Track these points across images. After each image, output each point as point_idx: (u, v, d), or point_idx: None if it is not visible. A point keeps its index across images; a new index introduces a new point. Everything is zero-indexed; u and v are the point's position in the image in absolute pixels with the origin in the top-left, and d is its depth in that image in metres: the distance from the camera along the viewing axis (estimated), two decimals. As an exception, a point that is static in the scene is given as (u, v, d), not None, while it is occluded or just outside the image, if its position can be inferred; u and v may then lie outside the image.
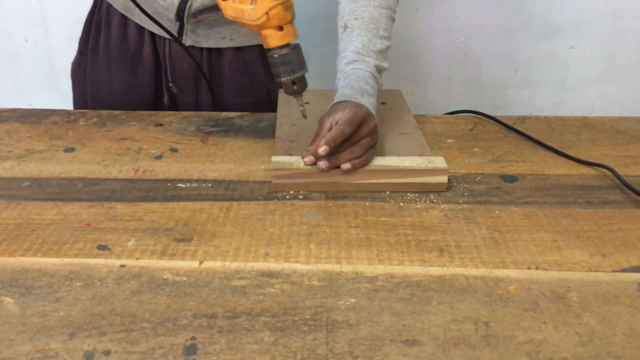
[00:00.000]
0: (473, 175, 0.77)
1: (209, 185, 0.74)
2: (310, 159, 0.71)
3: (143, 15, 0.94)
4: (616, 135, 0.90)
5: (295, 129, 0.84)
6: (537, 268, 0.59)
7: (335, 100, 0.78)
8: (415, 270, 0.59)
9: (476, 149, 0.84)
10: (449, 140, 0.87)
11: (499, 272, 0.59)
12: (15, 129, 0.90)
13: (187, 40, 0.98)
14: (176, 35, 0.97)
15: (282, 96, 0.97)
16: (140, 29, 1.00)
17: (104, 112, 0.95)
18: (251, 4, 0.63)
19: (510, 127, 0.90)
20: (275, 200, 0.71)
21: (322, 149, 0.70)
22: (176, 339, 0.50)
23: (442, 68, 1.60)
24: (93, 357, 0.48)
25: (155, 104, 1.04)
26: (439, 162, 0.73)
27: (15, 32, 1.62)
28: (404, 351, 0.49)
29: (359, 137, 0.73)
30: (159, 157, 0.81)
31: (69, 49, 1.62)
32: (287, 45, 0.68)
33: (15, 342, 0.50)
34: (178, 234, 0.64)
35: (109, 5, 1.01)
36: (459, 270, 0.59)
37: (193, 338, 0.50)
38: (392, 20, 0.87)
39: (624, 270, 0.59)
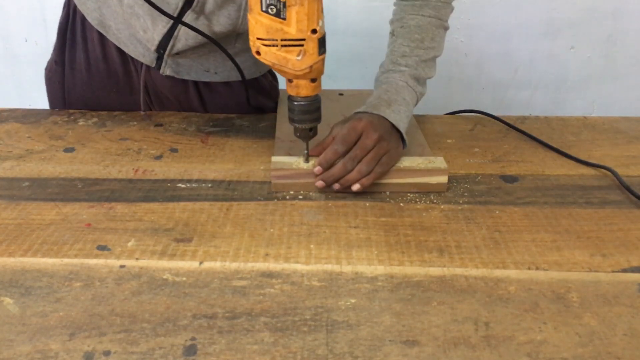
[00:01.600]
0: (473, 175, 0.77)
1: (209, 185, 0.74)
2: (320, 183, 0.71)
3: (119, 35, 0.89)
4: (616, 135, 0.90)
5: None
6: (537, 268, 0.59)
7: (359, 110, 0.77)
8: (415, 270, 0.59)
9: (476, 149, 0.84)
10: (449, 140, 0.87)
11: (499, 273, 0.59)
12: (15, 129, 0.90)
13: (167, 70, 0.91)
14: (154, 64, 0.91)
15: (282, 96, 0.97)
16: (119, 50, 0.93)
17: (104, 112, 0.95)
18: (298, 55, 0.66)
19: (511, 126, 0.90)
20: (275, 200, 0.71)
21: (317, 169, 0.71)
22: (176, 339, 0.50)
23: (442, 68, 1.60)
24: (93, 358, 0.48)
25: None
26: (439, 162, 0.73)
27: (15, 32, 1.62)
28: (404, 351, 0.49)
29: (362, 151, 0.71)
30: (158, 157, 0.81)
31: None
32: (312, 96, 0.70)
33: (15, 342, 0.50)
34: (178, 234, 0.64)
35: (84, 19, 0.92)
36: (459, 271, 0.59)
37: (193, 338, 0.50)
38: (444, 29, 0.85)
39: (624, 271, 0.59)
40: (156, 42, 0.87)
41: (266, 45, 0.66)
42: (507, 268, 0.59)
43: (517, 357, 0.49)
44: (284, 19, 0.64)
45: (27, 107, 0.98)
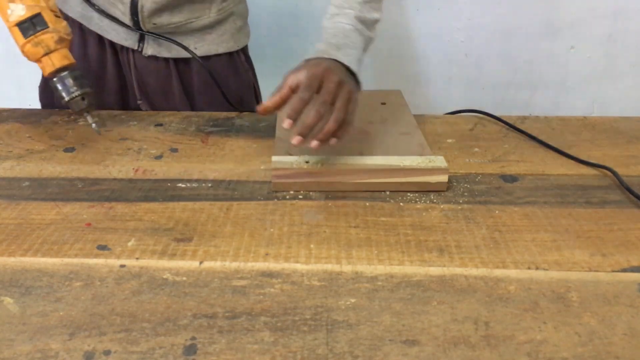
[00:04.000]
0: (473, 175, 0.77)
1: (209, 185, 0.74)
2: (297, 139, 0.68)
3: (102, 23, 0.91)
4: (616, 135, 0.90)
5: (295, 129, 0.84)
6: (537, 268, 0.59)
7: (307, 56, 0.74)
8: (415, 270, 0.59)
9: (476, 149, 0.84)
10: (449, 140, 0.87)
11: (499, 272, 0.59)
12: (15, 129, 0.90)
13: (149, 50, 0.94)
14: (137, 45, 0.94)
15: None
16: (101, 41, 0.95)
17: (104, 112, 0.95)
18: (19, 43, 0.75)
19: (511, 126, 0.90)
20: (275, 200, 0.71)
21: (286, 123, 0.67)
22: (176, 339, 0.50)
23: (442, 68, 1.60)
24: (93, 357, 0.48)
25: None
26: (439, 161, 0.73)
27: (15, 32, 1.62)
28: (404, 351, 0.49)
29: (330, 96, 0.68)
30: (159, 157, 0.81)
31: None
32: (57, 72, 0.74)
33: (15, 342, 0.50)
34: (178, 234, 0.64)
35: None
36: (459, 270, 0.59)
37: (193, 338, 0.50)
38: None
39: (624, 270, 0.59)
40: (128, 5, 0.90)
41: None
42: (507, 268, 0.59)
43: (517, 356, 0.49)
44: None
45: (27, 107, 0.98)
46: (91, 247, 0.62)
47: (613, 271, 0.59)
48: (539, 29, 1.54)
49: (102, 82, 0.99)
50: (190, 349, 0.49)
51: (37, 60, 0.76)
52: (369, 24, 0.80)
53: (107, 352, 0.48)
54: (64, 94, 0.75)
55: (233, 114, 0.96)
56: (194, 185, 0.74)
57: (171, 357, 0.48)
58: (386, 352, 0.49)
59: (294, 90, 0.70)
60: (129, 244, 0.62)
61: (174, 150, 0.83)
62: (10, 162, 0.79)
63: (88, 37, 0.97)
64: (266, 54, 1.58)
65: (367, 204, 0.70)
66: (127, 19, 0.92)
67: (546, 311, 0.54)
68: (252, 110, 0.97)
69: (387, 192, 0.73)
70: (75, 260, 0.60)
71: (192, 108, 1.01)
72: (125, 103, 1.02)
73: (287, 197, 0.72)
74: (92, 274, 0.58)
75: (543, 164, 0.81)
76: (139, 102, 0.99)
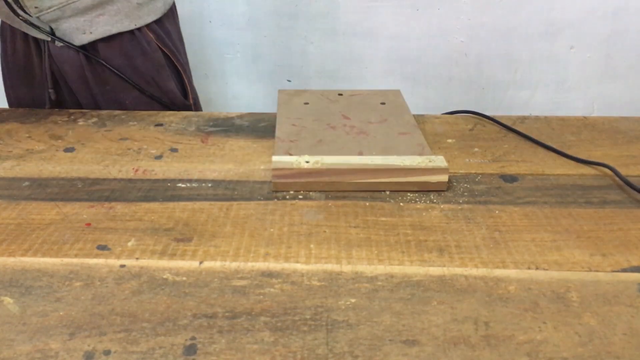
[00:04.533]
0: (473, 175, 0.77)
1: (209, 185, 0.74)
2: None
3: (17, 18, 0.92)
4: (616, 135, 0.90)
5: (295, 129, 0.84)
6: (537, 268, 0.59)
7: None
8: (415, 270, 0.59)
9: (476, 149, 0.84)
10: (449, 140, 0.87)
11: (499, 272, 0.59)
12: (15, 129, 0.90)
13: (59, 41, 0.95)
14: (51, 37, 0.94)
15: (281, 96, 0.97)
16: (25, 36, 0.97)
17: (104, 112, 0.95)
18: None
19: (509, 128, 0.90)
20: (275, 200, 0.71)
21: None
22: (176, 339, 0.50)
23: (442, 68, 1.60)
24: (93, 357, 0.48)
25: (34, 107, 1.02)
26: (439, 161, 0.73)
27: (15, 32, 1.62)
28: (404, 351, 0.49)
29: None
30: (159, 157, 0.81)
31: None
32: None
33: (15, 342, 0.50)
34: (178, 234, 0.64)
35: (2, 23, 0.98)
36: (459, 270, 0.59)
37: (193, 338, 0.50)
38: None
39: (624, 270, 0.59)
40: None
41: None
42: (507, 268, 0.59)
43: (517, 356, 0.49)
44: None
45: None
46: (91, 247, 0.62)
47: (613, 271, 0.59)
48: (539, 29, 1.54)
49: (31, 76, 1.00)
50: (190, 349, 0.49)
51: None
52: None
53: (107, 352, 0.48)
54: None
55: (233, 114, 0.96)
56: (194, 185, 0.74)
57: (171, 357, 0.48)
58: (386, 352, 0.49)
59: None
60: (129, 244, 0.62)
61: (174, 150, 0.83)
62: (10, 162, 0.80)
63: (15, 32, 0.99)
64: (265, 54, 1.58)
65: (367, 204, 0.70)
66: (15, 6, 0.91)
67: (546, 311, 0.54)
68: (170, 93, 1.00)
69: (387, 192, 0.73)
70: (75, 260, 0.60)
71: (109, 94, 1.00)
72: (62, 97, 1.02)
73: (287, 197, 0.72)
74: (92, 274, 0.58)
75: (543, 164, 0.81)
76: (50, 90, 0.99)
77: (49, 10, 0.92)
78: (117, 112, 0.96)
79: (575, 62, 1.58)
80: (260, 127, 0.91)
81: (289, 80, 1.59)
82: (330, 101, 0.94)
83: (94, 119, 0.93)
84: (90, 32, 0.95)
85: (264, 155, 0.82)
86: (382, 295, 0.55)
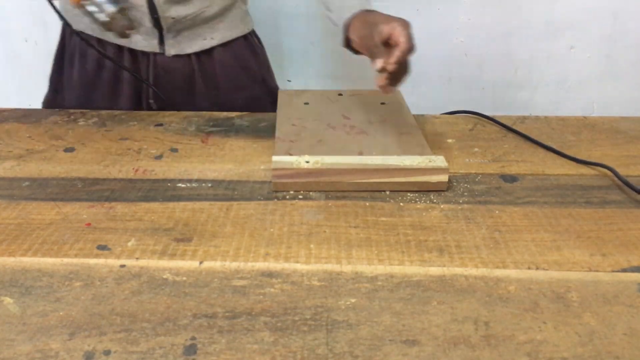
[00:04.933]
0: (473, 175, 0.77)
1: (209, 185, 0.74)
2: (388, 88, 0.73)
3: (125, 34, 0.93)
4: (616, 135, 0.90)
5: (295, 129, 0.84)
6: (537, 268, 0.59)
7: (350, 15, 0.80)
8: (415, 270, 0.59)
9: (476, 149, 0.84)
10: (449, 140, 0.87)
11: (499, 272, 0.59)
12: (15, 129, 0.90)
13: (171, 50, 0.98)
14: (158, 48, 0.97)
15: (281, 96, 0.97)
16: (119, 49, 0.98)
17: (104, 112, 0.95)
18: None
19: (509, 128, 0.90)
20: (275, 200, 0.71)
21: (391, 67, 0.71)
22: (176, 339, 0.50)
23: (442, 68, 1.60)
24: (93, 357, 0.48)
25: None
26: (439, 161, 0.73)
27: (15, 32, 1.62)
28: (404, 351, 0.49)
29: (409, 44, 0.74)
30: (159, 157, 0.81)
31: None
32: None
33: (15, 342, 0.50)
34: (178, 234, 0.64)
35: (81, 39, 0.96)
36: (459, 270, 0.59)
37: (193, 338, 0.50)
38: None
39: (624, 270, 0.59)
40: (145, 5, 0.92)
41: None
42: (507, 268, 0.59)
43: (517, 356, 0.49)
44: None
45: (27, 107, 0.98)
46: (91, 247, 0.62)
47: (613, 271, 0.59)
48: (539, 29, 1.54)
49: (119, 88, 1.00)
50: (190, 349, 0.49)
51: None
52: None
53: (107, 352, 0.48)
54: (99, 15, 0.69)
55: (233, 114, 0.96)
56: (194, 185, 0.74)
57: (171, 357, 0.48)
58: (386, 352, 0.49)
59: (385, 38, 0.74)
60: (129, 244, 0.62)
61: (174, 150, 0.83)
62: (10, 162, 0.79)
63: (106, 46, 0.98)
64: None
65: (367, 204, 0.70)
66: (147, 20, 0.94)
67: (546, 311, 0.54)
68: (274, 90, 1.02)
69: (387, 192, 0.73)
70: (75, 260, 0.60)
71: (218, 97, 1.03)
72: (138, 104, 1.03)
73: (287, 197, 0.72)
74: (92, 274, 0.58)
75: (543, 164, 0.81)
76: (150, 101, 1.01)
77: (182, 20, 0.95)
78: (117, 112, 0.96)
79: (575, 62, 1.58)
80: (260, 127, 0.91)
81: (289, 81, 1.59)
82: (330, 101, 0.94)
83: (94, 119, 0.93)
84: (212, 38, 0.99)
85: (264, 155, 0.82)
86: (382, 295, 0.55)
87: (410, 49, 0.73)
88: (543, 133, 0.89)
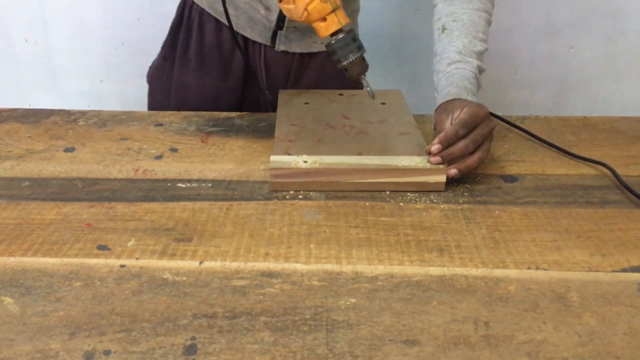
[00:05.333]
0: (473, 175, 0.77)
1: (209, 185, 0.74)
2: (436, 159, 0.72)
3: (238, 21, 0.96)
4: (616, 135, 0.90)
5: (294, 129, 0.84)
6: (537, 268, 0.59)
7: (443, 100, 0.79)
8: (415, 270, 0.59)
9: (476, 149, 0.84)
10: (449, 140, 0.87)
11: (499, 272, 0.59)
12: (15, 129, 0.90)
13: (280, 46, 1.00)
14: (269, 41, 1.00)
15: (281, 96, 0.97)
16: (234, 35, 1.00)
17: (104, 111, 0.95)
18: (292, 3, 0.67)
19: (511, 124, 0.90)
20: (275, 200, 0.71)
21: (435, 147, 0.71)
22: (176, 339, 0.50)
23: (442, 68, 1.60)
24: (93, 357, 0.48)
25: (240, 109, 1.06)
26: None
27: (15, 32, 1.62)
28: (404, 351, 0.49)
29: (482, 137, 0.73)
30: (159, 157, 0.81)
31: (69, 49, 1.63)
32: (336, 33, 0.69)
33: (15, 342, 0.50)
34: (178, 234, 0.64)
35: (202, 11, 1.01)
36: (459, 270, 0.59)
37: (193, 338, 0.50)
38: (489, 23, 0.89)
39: (624, 270, 0.59)
40: (277, 13, 0.95)
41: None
42: (507, 268, 0.59)
43: (517, 356, 0.49)
44: None
45: (27, 107, 0.98)
46: (91, 247, 0.62)
47: (613, 271, 0.59)
48: (539, 29, 1.54)
49: (230, 70, 1.03)
50: (190, 349, 0.49)
51: (321, 19, 0.68)
52: (481, 73, 0.86)
53: (107, 352, 0.48)
54: (347, 56, 0.69)
55: (233, 114, 0.96)
56: (194, 185, 0.74)
57: (171, 357, 0.48)
58: (386, 352, 0.49)
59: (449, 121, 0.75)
60: (129, 244, 0.62)
61: (174, 150, 0.83)
62: (10, 162, 0.79)
63: (222, 27, 1.01)
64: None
65: (367, 204, 0.70)
66: (271, 24, 0.97)
67: (546, 311, 0.54)
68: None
69: (387, 192, 0.73)
70: (75, 260, 0.60)
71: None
72: (247, 92, 1.06)
73: (287, 197, 0.72)
74: (92, 274, 0.58)
75: (543, 164, 0.81)
76: (265, 91, 1.03)
77: (300, 24, 0.95)
78: (117, 111, 0.96)
79: (575, 62, 1.58)
80: (260, 127, 0.91)
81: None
82: (330, 101, 0.94)
83: (94, 119, 0.93)
84: (321, 43, 0.99)
85: (264, 155, 0.82)
86: (382, 295, 0.55)
87: (452, 134, 0.71)
88: (543, 133, 0.89)
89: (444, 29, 0.88)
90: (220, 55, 1.02)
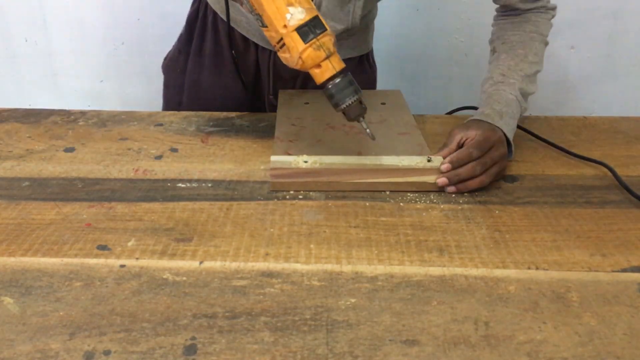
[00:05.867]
0: (473, 175, 0.77)
1: (209, 185, 0.74)
2: (443, 180, 0.72)
3: (249, 28, 0.96)
4: (616, 135, 0.90)
5: (294, 129, 0.84)
6: (537, 268, 0.59)
7: (474, 117, 0.79)
8: (415, 270, 0.59)
9: (476, 149, 0.84)
10: (449, 140, 0.87)
11: (499, 272, 0.59)
12: (15, 129, 0.90)
13: None
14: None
15: (281, 96, 0.97)
16: (245, 40, 1.01)
17: (104, 111, 0.96)
18: (287, 52, 0.68)
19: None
20: (275, 200, 0.71)
21: (444, 166, 0.72)
22: (176, 339, 0.50)
23: (442, 68, 1.60)
24: (93, 357, 0.48)
25: (249, 110, 1.05)
26: (437, 161, 0.73)
27: (15, 32, 1.63)
28: (404, 351, 0.49)
29: (491, 161, 0.73)
30: (159, 157, 0.81)
31: (69, 49, 1.63)
32: (332, 78, 0.69)
33: (15, 342, 0.50)
34: (178, 234, 0.64)
35: (215, 14, 1.01)
36: (459, 270, 0.59)
37: (193, 338, 0.50)
38: (545, 44, 0.89)
39: (624, 270, 0.59)
40: None
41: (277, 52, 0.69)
42: (507, 268, 0.59)
43: (517, 356, 0.49)
44: (266, 26, 0.68)
45: (27, 107, 0.98)
46: (91, 247, 0.62)
47: (613, 271, 0.59)
48: (539, 29, 1.54)
49: (242, 71, 1.03)
50: (190, 349, 0.49)
51: (316, 66, 0.68)
52: (526, 96, 0.85)
53: (107, 352, 0.48)
54: (344, 100, 0.69)
55: (233, 114, 0.96)
56: (194, 185, 0.74)
57: (171, 357, 0.48)
58: (386, 352, 0.49)
59: (460, 144, 0.75)
60: (129, 244, 0.62)
61: (174, 150, 0.83)
62: (10, 162, 0.80)
63: (234, 29, 1.01)
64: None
65: (367, 204, 0.70)
66: None
67: (546, 311, 0.54)
68: None
69: (387, 192, 0.73)
70: (75, 260, 0.60)
71: None
72: (257, 95, 1.06)
73: (287, 197, 0.72)
74: (92, 274, 0.58)
75: (543, 164, 0.81)
76: (270, 96, 1.03)
77: None
78: (116, 111, 0.96)
79: (575, 62, 1.58)
80: (260, 127, 0.91)
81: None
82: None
83: (94, 119, 0.93)
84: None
85: (264, 155, 0.82)
86: (382, 295, 0.55)
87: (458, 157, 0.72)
88: (543, 133, 0.89)
89: (494, 51, 0.90)
90: (232, 57, 1.02)
